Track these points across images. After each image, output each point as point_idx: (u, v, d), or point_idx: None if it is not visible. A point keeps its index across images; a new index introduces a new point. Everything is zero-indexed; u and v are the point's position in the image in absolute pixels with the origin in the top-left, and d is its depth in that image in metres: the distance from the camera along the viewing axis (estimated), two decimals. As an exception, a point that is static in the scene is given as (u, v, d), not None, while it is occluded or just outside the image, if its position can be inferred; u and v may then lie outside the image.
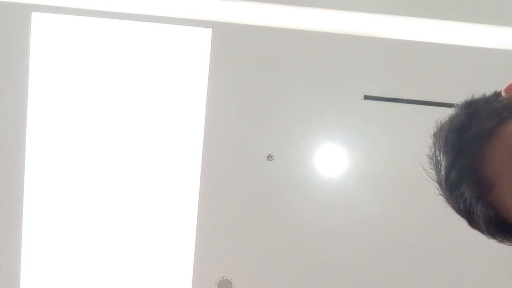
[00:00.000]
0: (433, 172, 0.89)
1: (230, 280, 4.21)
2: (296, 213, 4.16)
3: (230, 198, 4.15)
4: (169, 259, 4.26)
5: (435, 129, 0.89)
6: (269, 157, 4.07)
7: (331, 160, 4.12)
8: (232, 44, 3.96)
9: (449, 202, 0.86)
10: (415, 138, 4.09)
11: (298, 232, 4.18)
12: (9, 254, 4.09)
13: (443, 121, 0.88)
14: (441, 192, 0.87)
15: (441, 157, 0.85)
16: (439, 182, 0.87)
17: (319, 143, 4.11)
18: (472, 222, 0.83)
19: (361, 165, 4.14)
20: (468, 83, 4.04)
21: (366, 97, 4.04)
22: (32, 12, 3.80)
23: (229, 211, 4.17)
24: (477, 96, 0.89)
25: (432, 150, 0.89)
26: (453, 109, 0.88)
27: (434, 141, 0.89)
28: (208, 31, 3.90)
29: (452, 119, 0.86)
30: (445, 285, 4.27)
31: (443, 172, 0.84)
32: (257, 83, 4.03)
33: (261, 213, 4.17)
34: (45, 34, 3.89)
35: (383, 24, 3.94)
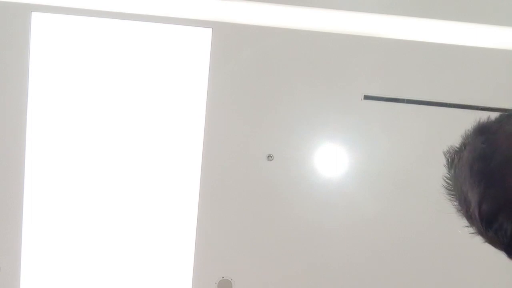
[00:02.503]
0: (456, 205, 0.85)
1: (230, 280, 4.21)
2: (296, 213, 4.16)
3: (230, 198, 4.15)
4: (169, 259, 4.26)
5: (449, 159, 0.85)
6: (269, 157, 4.07)
7: (331, 160, 4.12)
8: (232, 44, 3.96)
9: (485, 236, 0.81)
10: (415, 138, 4.10)
11: (298, 232, 4.18)
12: (9, 254, 4.09)
13: (456, 150, 0.84)
14: (472, 225, 0.82)
15: (468, 189, 0.80)
16: (469, 216, 0.82)
17: (319, 143, 4.11)
18: None
19: (361, 165, 4.14)
20: (468, 83, 4.04)
21: (366, 97, 4.04)
22: (32, 12, 3.80)
23: (229, 211, 4.17)
24: (485, 120, 0.85)
25: (452, 181, 0.85)
26: (464, 135, 0.84)
27: (453, 172, 0.84)
28: (208, 31, 3.90)
29: (470, 147, 0.82)
30: (445, 285, 4.27)
31: (473, 205, 0.79)
32: (257, 83, 4.03)
33: (261, 213, 4.17)
34: (45, 34, 3.89)
35: (383, 24, 3.94)
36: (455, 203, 0.86)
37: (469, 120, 0.87)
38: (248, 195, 4.14)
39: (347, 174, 4.14)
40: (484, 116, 0.85)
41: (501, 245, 0.80)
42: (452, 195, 0.86)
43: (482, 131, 0.83)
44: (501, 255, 0.86)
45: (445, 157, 0.86)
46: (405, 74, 4.07)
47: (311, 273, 4.24)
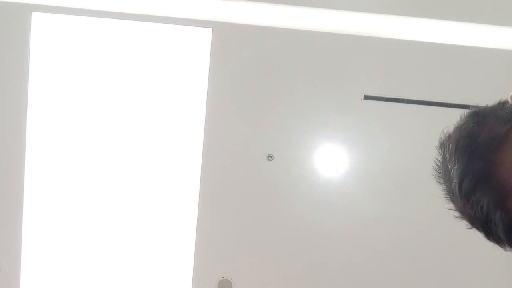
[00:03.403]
0: (442, 184, 0.86)
1: (230, 280, 4.21)
2: (296, 213, 4.16)
3: (230, 198, 4.15)
4: (169, 259, 4.26)
5: (441, 140, 0.87)
6: (269, 157, 4.07)
7: (331, 160, 4.12)
8: (232, 44, 3.95)
9: (464, 212, 0.82)
10: (415, 138, 4.10)
11: (298, 232, 4.18)
12: (9, 254, 4.09)
13: (449, 131, 0.86)
14: (454, 203, 0.83)
15: (452, 165, 0.82)
16: (451, 192, 0.83)
17: (319, 143, 4.11)
18: (490, 232, 0.79)
19: (361, 165, 4.14)
20: (468, 83, 4.04)
21: (366, 97, 4.04)
22: (32, 12, 3.80)
23: (229, 211, 4.17)
24: (481, 106, 0.87)
25: (440, 160, 0.86)
26: (459, 119, 0.86)
27: (442, 151, 0.86)
28: (208, 31, 3.90)
29: (460, 127, 0.84)
30: (445, 285, 4.27)
31: (455, 180, 0.81)
32: (257, 83, 4.03)
33: (261, 213, 4.17)
34: (45, 34, 3.89)
35: (383, 24, 3.94)
36: (441, 183, 0.87)
37: (466, 112, 0.88)
38: (248, 195, 4.14)
39: (347, 174, 4.14)
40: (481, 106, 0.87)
41: (478, 222, 0.80)
42: (440, 175, 0.87)
43: (475, 114, 0.84)
44: (501, 256, 0.86)
45: (440, 137, 0.87)
46: (405, 74, 4.07)
47: (311, 273, 4.24)
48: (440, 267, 4.23)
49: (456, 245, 4.07)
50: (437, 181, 0.87)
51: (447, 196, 0.85)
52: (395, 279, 4.25)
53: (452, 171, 0.82)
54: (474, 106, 0.87)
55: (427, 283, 4.27)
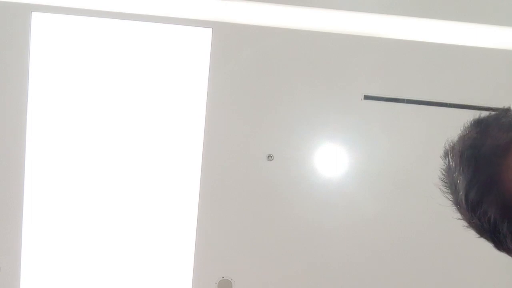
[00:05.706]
0: (449, 194, 0.85)
1: (230, 280, 4.21)
2: (296, 213, 4.16)
3: (230, 198, 4.15)
4: (169, 259, 4.26)
5: (445, 150, 0.86)
6: (269, 157, 4.07)
7: (331, 160, 4.12)
8: (232, 44, 3.96)
9: (471, 223, 0.81)
10: (415, 138, 4.10)
11: (298, 232, 4.18)
12: (9, 254, 4.09)
13: (452, 142, 0.85)
14: (461, 214, 0.83)
15: (458, 176, 0.81)
16: (458, 203, 0.83)
17: (319, 143, 4.11)
18: (499, 242, 0.79)
19: (361, 165, 4.13)
20: (468, 83, 4.04)
21: (366, 97, 4.04)
22: (32, 12, 3.80)
23: (229, 211, 4.16)
24: (484, 114, 0.86)
25: (445, 171, 0.86)
26: (462, 128, 0.85)
27: (447, 162, 0.85)
28: (208, 31, 3.90)
29: (463, 138, 0.83)
30: (445, 285, 4.27)
31: (461, 192, 0.80)
32: (257, 83, 4.03)
33: (261, 213, 4.17)
34: (45, 34, 3.89)
35: (383, 24, 3.94)
36: (448, 193, 0.86)
37: (469, 121, 0.87)
38: (248, 195, 4.14)
39: (347, 174, 4.14)
40: (484, 114, 0.86)
41: (486, 233, 0.79)
42: (446, 185, 0.86)
43: (478, 123, 0.84)
44: (501, 255, 0.85)
45: (444, 147, 0.87)
46: (405, 74, 4.07)
47: (311, 273, 4.24)
48: (440, 267, 4.23)
49: (456, 245, 4.06)
50: (443, 190, 0.86)
51: (454, 206, 0.85)
52: (395, 279, 4.25)
53: (458, 182, 0.81)
54: (479, 111, 0.86)
55: (427, 283, 4.27)
